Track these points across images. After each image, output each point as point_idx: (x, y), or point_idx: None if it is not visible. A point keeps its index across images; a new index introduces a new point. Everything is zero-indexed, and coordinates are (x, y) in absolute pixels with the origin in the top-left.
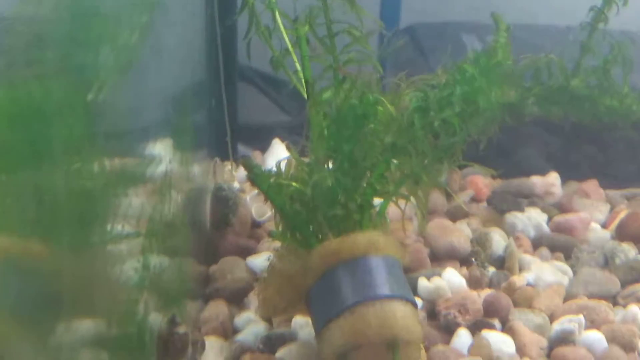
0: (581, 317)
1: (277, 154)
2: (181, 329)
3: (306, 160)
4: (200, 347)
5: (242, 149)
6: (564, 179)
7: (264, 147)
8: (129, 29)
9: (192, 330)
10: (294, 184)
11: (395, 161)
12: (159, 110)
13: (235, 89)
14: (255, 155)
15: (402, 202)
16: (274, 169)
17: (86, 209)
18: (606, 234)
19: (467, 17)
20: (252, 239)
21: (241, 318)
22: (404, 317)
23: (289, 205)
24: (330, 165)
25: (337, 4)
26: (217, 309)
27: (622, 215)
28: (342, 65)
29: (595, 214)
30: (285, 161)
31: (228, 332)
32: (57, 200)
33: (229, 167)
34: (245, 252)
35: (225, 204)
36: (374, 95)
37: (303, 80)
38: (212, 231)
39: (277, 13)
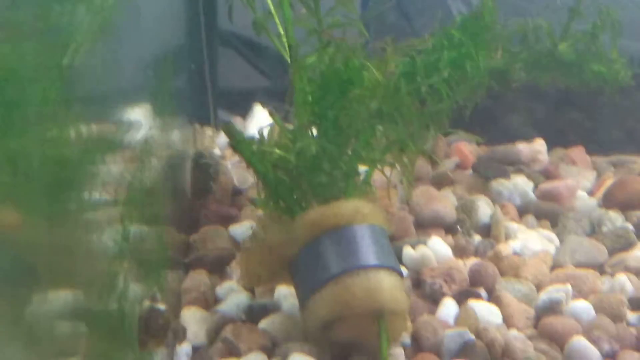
0: (568, 286)
1: (259, 120)
2: (161, 306)
3: (290, 126)
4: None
5: (222, 114)
6: (550, 146)
7: (244, 112)
8: None
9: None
10: (277, 151)
11: (380, 128)
12: (138, 74)
13: (215, 53)
14: (236, 121)
15: (387, 170)
16: (257, 135)
17: (62, 176)
18: (593, 201)
19: None
20: (234, 207)
21: (223, 288)
22: (390, 287)
23: (272, 172)
24: (315, 132)
25: None
26: (198, 278)
27: (608, 182)
28: (327, 29)
29: (581, 181)
30: (268, 127)
31: (210, 302)
32: (32, 168)
33: (210, 132)
34: (227, 220)
35: (205, 171)
36: (359, 60)
37: (286, 45)
38: (193, 199)
39: None
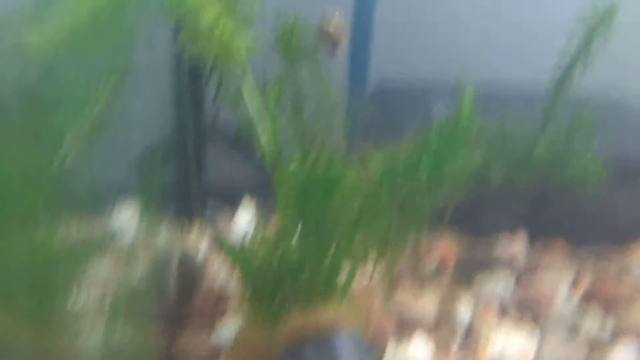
0: None
1: (248, 212)
2: None
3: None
4: None
5: (211, 207)
6: (531, 240)
7: (233, 206)
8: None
9: None
10: (260, 256)
11: (362, 231)
12: (126, 172)
13: (204, 147)
14: (225, 211)
15: (368, 270)
16: (244, 232)
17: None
18: (572, 302)
19: (435, 74)
20: (217, 310)
21: None
22: None
23: (255, 276)
24: (297, 235)
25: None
26: None
27: (587, 280)
28: (310, 134)
29: (562, 277)
30: (253, 231)
31: None
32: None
33: (196, 228)
34: (211, 321)
35: (190, 271)
36: (339, 167)
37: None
38: (177, 301)
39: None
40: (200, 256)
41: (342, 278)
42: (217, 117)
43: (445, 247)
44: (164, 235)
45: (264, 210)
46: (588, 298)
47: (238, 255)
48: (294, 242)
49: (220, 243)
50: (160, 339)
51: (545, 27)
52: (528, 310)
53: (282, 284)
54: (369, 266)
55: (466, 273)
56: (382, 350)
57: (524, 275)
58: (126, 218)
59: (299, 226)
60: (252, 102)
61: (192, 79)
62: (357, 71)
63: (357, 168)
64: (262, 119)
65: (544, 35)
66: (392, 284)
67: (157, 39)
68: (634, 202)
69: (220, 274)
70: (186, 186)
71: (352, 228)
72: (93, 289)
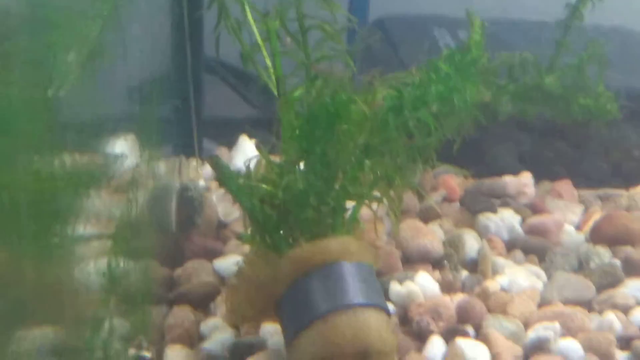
0: (556, 324)
1: (245, 151)
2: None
3: (276, 159)
4: None
5: (208, 144)
6: (537, 179)
7: (230, 142)
8: (91, 20)
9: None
10: (264, 185)
11: (368, 162)
12: (124, 104)
13: (201, 82)
14: (222, 152)
15: (374, 204)
16: (243, 168)
17: (47, 209)
18: (580, 236)
19: (437, 10)
20: (219, 241)
21: (207, 325)
22: (378, 326)
23: (258, 207)
24: (302, 166)
25: None
26: (182, 314)
27: (595, 217)
28: (315, 62)
29: (568, 215)
30: (255, 161)
31: (194, 339)
32: (16, 201)
33: (195, 164)
34: (212, 254)
35: (190, 204)
36: (346, 93)
37: (273, 77)
38: (178, 232)
39: (246, 6)
40: (200, 188)
41: (348, 210)
42: (217, 48)
43: (451, 181)
44: (164, 168)
45: (265, 147)
46: (596, 233)
47: (240, 186)
48: (298, 172)
49: (219, 171)
50: (162, 269)
51: None
52: (535, 243)
53: (287, 215)
54: (376, 198)
55: (472, 207)
56: (388, 280)
57: (530, 210)
58: (124, 150)
59: (304, 156)
60: (254, 28)
61: (191, 6)
62: (358, 4)
63: (364, 97)
64: (265, 45)
65: None
66: (398, 216)
67: None
68: None
69: (222, 206)
70: (185, 121)
71: (359, 159)
72: (93, 220)
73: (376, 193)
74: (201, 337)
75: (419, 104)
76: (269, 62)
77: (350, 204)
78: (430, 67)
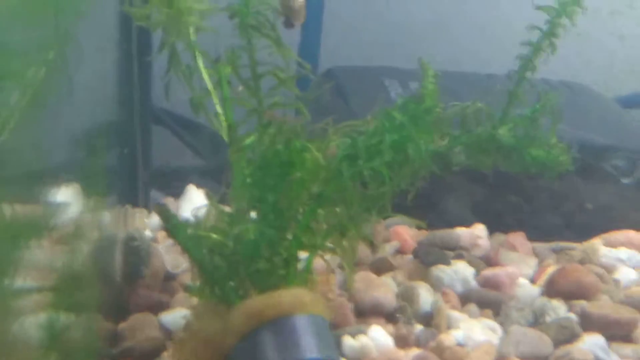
0: None
1: (192, 201)
2: None
3: (227, 209)
4: None
5: (155, 194)
6: (490, 231)
7: (177, 193)
8: (35, 65)
9: None
10: (213, 235)
11: (322, 212)
12: (67, 152)
13: (149, 131)
14: (169, 202)
15: (327, 254)
16: (191, 217)
17: None
18: (535, 289)
19: (388, 62)
20: (166, 293)
21: None
22: None
23: (208, 258)
24: (254, 215)
25: (263, 44)
26: None
27: (550, 270)
28: (267, 109)
29: (523, 268)
30: (204, 210)
31: None
32: None
33: (141, 214)
34: (158, 307)
35: (136, 254)
36: (300, 141)
37: (224, 124)
38: (123, 284)
39: (197, 52)
40: (147, 239)
41: (301, 260)
42: (167, 93)
43: (404, 232)
44: (108, 218)
45: (214, 197)
46: (551, 287)
47: (188, 235)
48: (250, 221)
49: (167, 220)
50: (106, 323)
51: (501, 22)
52: (490, 297)
53: (238, 266)
54: (328, 250)
55: (425, 259)
56: (340, 334)
57: (484, 262)
58: (68, 200)
59: (256, 205)
60: (205, 75)
61: (140, 52)
62: (308, 55)
63: (318, 146)
64: (216, 92)
65: (499, 30)
66: (352, 268)
67: (102, 9)
68: (597, 193)
69: (169, 257)
70: (132, 170)
71: (312, 208)
72: (33, 272)
73: (329, 244)
74: None
75: (373, 153)
76: (219, 109)
77: (303, 255)
78: (385, 116)
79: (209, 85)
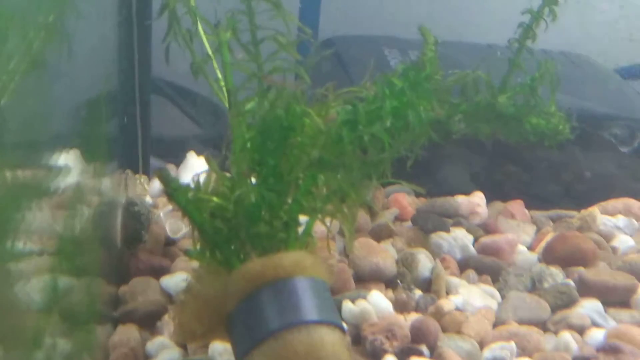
0: (512, 344)
1: (193, 168)
2: None
3: (227, 174)
4: None
5: (155, 161)
6: (489, 199)
7: (177, 160)
8: (33, 29)
9: None
10: (214, 199)
11: (322, 176)
12: (67, 118)
13: (148, 100)
14: (169, 169)
15: (327, 220)
16: (192, 183)
17: None
18: (533, 256)
19: (387, 31)
20: (166, 258)
21: (154, 343)
22: (332, 344)
23: (209, 222)
24: (254, 180)
25: (263, 8)
26: (128, 333)
27: (548, 237)
28: (268, 74)
29: (521, 235)
30: (205, 174)
31: (139, 359)
32: None
33: (142, 180)
34: (159, 271)
35: (137, 219)
36: (300, 106)
37: (224, 89)
38: (123, 249)
39: (197, 17)
40: (147, 205)
41: (301, 224)
42: (167, 57)
43: (403, 199)
44: (109, 183)
45: (214, 163)
46: (549, 254)
47: (189, 199)
48: (250, 185)
49: (168, 185)
50: (107, 286)
51: None
52: (489, 263)
53: (238, 229)
54: (330, 213)
55: (425, 226)
56: (340, 299)
57: (483, 230)
58: (68, 164)
59: (256, 169)
60: (205, 39)
61: (140, 18)
62: (307, 23)
63: (318, 111)
64: (216, 57)
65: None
66: (352, 233)
67: None
68: (596, 162)
69: (170, 222)
70: (132, 138)
71: (313, 173)
72: (34, 236)
73: (329, 208)
74: (147, 357)
75: (373, 118)
76: (219, 74)
77: (303, 219)
78: (385, 83)
79: (209, 50)
